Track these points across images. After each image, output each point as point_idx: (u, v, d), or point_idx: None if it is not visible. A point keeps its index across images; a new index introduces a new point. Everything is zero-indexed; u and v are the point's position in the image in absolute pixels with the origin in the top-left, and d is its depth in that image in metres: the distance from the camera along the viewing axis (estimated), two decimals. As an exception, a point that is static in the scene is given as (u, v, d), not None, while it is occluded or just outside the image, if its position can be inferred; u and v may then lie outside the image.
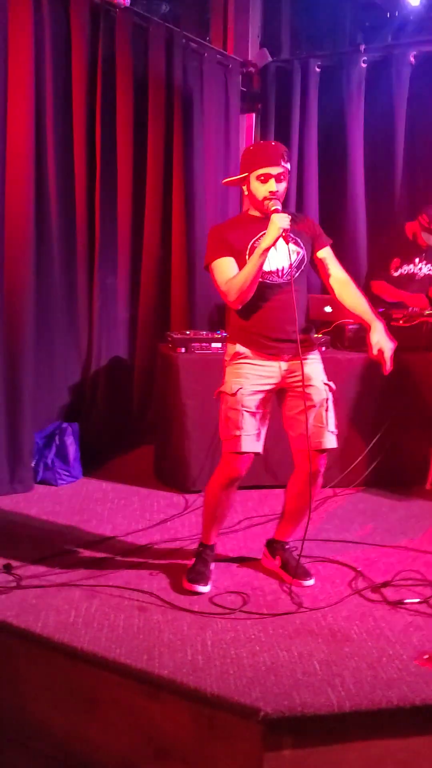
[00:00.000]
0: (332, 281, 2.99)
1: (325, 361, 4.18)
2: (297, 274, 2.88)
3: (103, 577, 3.02)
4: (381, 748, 2.23)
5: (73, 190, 4.37)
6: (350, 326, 4.41)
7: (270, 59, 5.73)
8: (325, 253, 2.99)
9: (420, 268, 4.84)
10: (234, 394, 2.87)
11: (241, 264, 2.83)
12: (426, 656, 2.43)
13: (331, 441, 2.94)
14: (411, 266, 4.83)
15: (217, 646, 2.49)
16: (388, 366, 2.89)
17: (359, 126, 5.42)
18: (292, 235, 2.80)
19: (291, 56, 5.77)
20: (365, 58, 5.38)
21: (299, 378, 2.88)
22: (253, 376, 2.90)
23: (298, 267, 2.90)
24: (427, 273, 4.86)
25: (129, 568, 3.13)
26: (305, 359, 2.90)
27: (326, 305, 4.64)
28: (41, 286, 4.12)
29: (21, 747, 2.59)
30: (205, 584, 2.95)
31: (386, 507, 3.99)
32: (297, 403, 2.92)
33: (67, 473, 4.28)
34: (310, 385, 2.92)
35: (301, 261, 2.91)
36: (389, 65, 5.29)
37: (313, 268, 3.02)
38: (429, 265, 4.84)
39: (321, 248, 2.98)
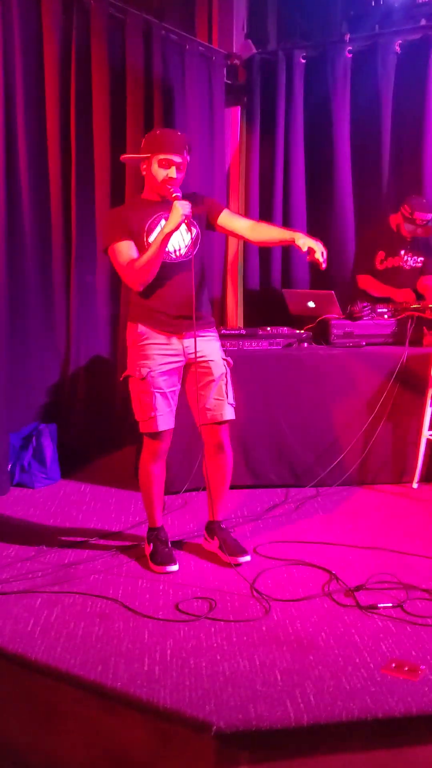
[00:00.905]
0: (243, 230, 3.14)
1: (306, 357, 4.14)
2: (194, 252, 2.98)
3: (68, 583, 2.93)
4: (343, 762, 2.12)
5: (47, 186, 4.27)
6: (334, 322, 4.30)
7: (254, 51, 5.62)
8: (226, 215, 3.13)
9: (406, 261, 4.74)
10: (144, 378, 2.98)
11: (139, 245, 2.95)
12: (393, 665, 2.33)
13: (229, 412, 3.10)
14: (396, 258, 4.72)
15: (176, 655, 2.39)
16: (323, 262, 2.98)
17: (345, 116, 5.32)
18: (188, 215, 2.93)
19: (276, 47, 5.65)
20: (350, 47, 5.27)
21: (201, 354, 3.04)
22: (158, 356, 3.01)
23: (194, 244, 2.99)
24: (414, 266, 4.75)
25: (96, 573, 3.04)
26: (203, 336, 3.04)
27: (310, 300, 4.54)
28: (14, 284, 4.04)
29: (-20, 760, 2.51)
30: (174, 563, 3.06)
31: (370, 506, 3.88)
32: (200, 378, 3.06)
33: (45, 475, 4.20)
34: (210, 360, 3.07)
35: (196, 238, 3.00)
36: (375, 54, 5.18)
37: (223, 230, 3.17)
38: (415, 257, 4.73)
39: (219, 213, 3.11)
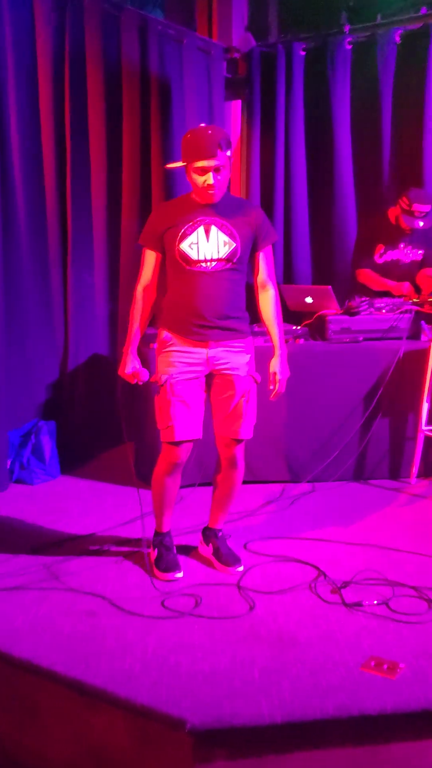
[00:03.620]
0: (259, 287, 3.06)
1: (302, 353, 4.14)
2: (228, 266, 2.88)
3: (59, 580, 2.97)
4: (319, 759, 2.15)
5: (42, 184, 4.28)
6: (331, 317, 4.29)
7: (254, 44, 5.61)
8: (261, 257, 3.01)
9: (405, 253, 4.72)
10: (163, 385, 2.91)
11: (170, 247, 2.88)
12: (373, 663, 2.34)
13: (247, 431, 3.02)
14: (396, 251, 4.70)
15: (157, 653, 2.43)
16: (276, 392, 3.03)
17: (345, 108, 5.30)
18: (228, 225, 2.85)
19: (276, 40, 5.64)
20: (350, 39, 5.25)
21: (225, 365, 2.95)
22: (181, 364, 2.93)
23: (228, 260, 2.88)
24: (413, 258, 4.73)
25: (88, 569, 3.08)
26: (231, 348, 2.95)
27: (307, 296, 4.54)
28: (11, 283, 4.07)
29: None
30: (179, 570, 3.01)
31: (365, 502, 3.89)
32: (221, 390, 2.98)
33: (44, 472, 4.24)
34: (234, 374, 2.97)
35: (233, 254, 2.88)
36: (374, 45, 5.16)
37: (249, 262, 3.01)
38: (414, 250, 4.71)
39: (260, 249, 2.99)
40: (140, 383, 2.99)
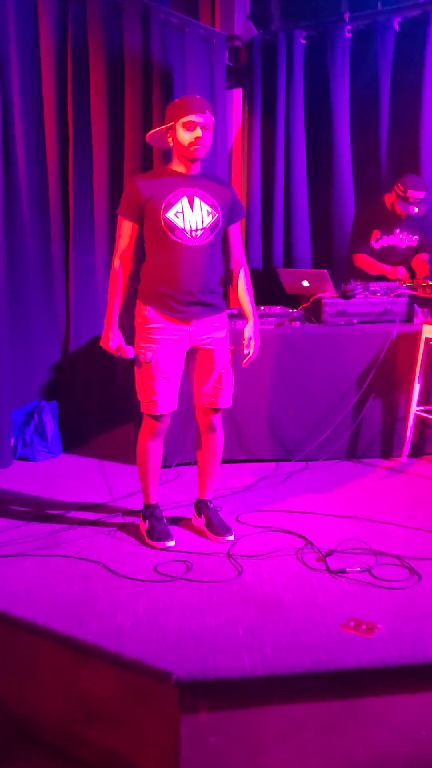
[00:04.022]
0: (229, 262, 3.18)
1: (298, 335, 4.24)
2: (210, 237, 2.99)
3: (56, 548, 3.09)
4: (300, 712, 2.26)
5: (44, 172, 4.40)
6: (327, 300, 4.39)
7: (255, 32, 5.69)
8: (232, 231, 3.15)
9: (401, 239, 4.81)
10: (149, 362, 3.03)
11: (154, 217, 2.94)
12: (352, 623, 2.46)
13: (226, 401, 3.19)
14: (391, 237, 4.79)
15: (148, 613, 2.55)
16: (250, 358, 3.18)
17: (345, 96, 5.39)
18: (209, 196, 2.97)
19: (277, 28, 5.72)
20: (350, 27, 5.32)
21: (206, 341, 3.09)
22: (164, 341, 3.03)
23: (211, 230, 2.99)
24: (409, 244, 4.82)
25: (84, 538, 3.20)
26: (211, 323, 3.09)
27: (304, 279, 4.64)
28: (14, 266, 4.18)
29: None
30: (171, 538, 3.14)
31: (356, 479, 4.00)
32: (201, 363, 3.13)
33: (46, 449, 4.37)
34: (214, 348, 3.11)
35: (215, 224, 3.00)
36: (374, 33, 5.23)
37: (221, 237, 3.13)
38: (409, 236, 4.80)
39: (234, 222, 3.13)
40: (124, 358, 3.08)
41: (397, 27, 5.17)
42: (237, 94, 5.93)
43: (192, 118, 2.89)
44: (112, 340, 3.06)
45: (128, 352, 3.06)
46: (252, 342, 3.17)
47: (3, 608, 2.60)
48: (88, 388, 4.83)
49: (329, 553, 2.99)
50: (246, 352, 3.16)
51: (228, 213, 3.07)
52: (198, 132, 2.89)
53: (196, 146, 2.91)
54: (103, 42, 4.59)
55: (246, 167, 5.81)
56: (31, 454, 4.33)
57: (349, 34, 5.33)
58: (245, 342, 3.16)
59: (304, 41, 5.47)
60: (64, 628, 2.44)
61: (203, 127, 2.90)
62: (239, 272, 3.21)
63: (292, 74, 5.47)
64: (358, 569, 2.85)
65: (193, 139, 2.90)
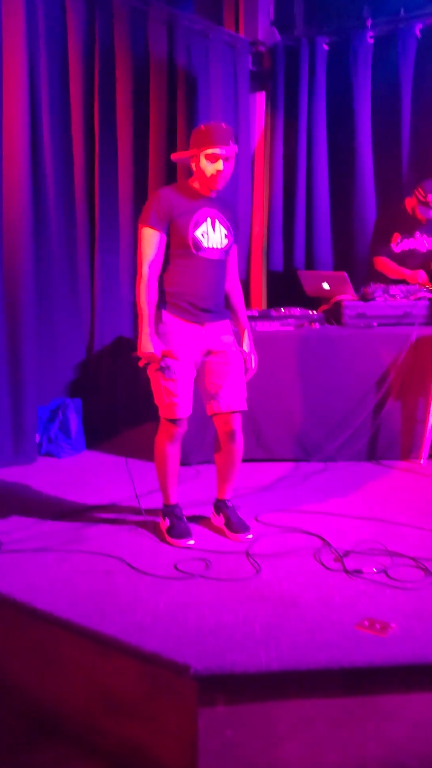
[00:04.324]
0: (229, 282, 3.31)
1: (318, 337, 4.30)
2: (225, 256, 3.19)
3: (79, 543, 3.17)
4: (314, 707, 2.32)
5: (71, 176, 4.53)
6: (347, 303, 4.44)
7: (278, 38, 5.75)
8: (233, 250, 3.30)
9: (422, 243, 4.85)
10: (168, 366, 3.10)
11: (182, 234, 3.05)
12: (366, 622, 2.51)
13: (243, 403, 3.25)
14: (412, 240, 4.84)
15: (167, 608, 2.62)
16: (251, 371, 3.32)
17: (366, 101, 5.45)
18: (225, 221, 3.14)
19: (300, 34, 5.78)
20: (372, 33, 5.38)
21: (218, 344, 3.19)
22: (180, 345, 3.11)
23: (226, 251, 3.18)
24: (429, 248, 4.86)
25: (107, 534, 3.28)
26: (222, 328, 3.22)
27: (324, 281, 4.69)
28: (41, 268, 4.30)
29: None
30: (191, 537, 3.21)
31: (374, 480, 4.05)
32: (217, 366, 3.20)
33: (70, 446, 4.47)
34: (227, 352, 3.21)
35: (229, 245, 3.20)
36: (395, 39, 5.29)
37: None
38: (430, 239, 4.83)
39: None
40: (171, 359, 3.10)
41: (418, 33, 5.22)
42: (260, 98, 6.00)
43: (215, 150, 2.98)
44: (156, 347, 3.08)
45: (175, 354, 3.11)
46: (252, 357, 3.32)
47: (27, 601, 2.68)
48: (112, 386, 4.93)
49: (346, 553, 3.05)
50: (250, 367, 3.31)
51: (235, 236, 3.24)
52: (219, 165, 3.00)
53: (217, 179, 3.04)
54: (129, 48, 4.69)
55: (268, 170, 5.88)
56: (56, 451, 4.43)
57: (371, 40, 5.40)
58: (248, 358, 3.30)
59: (326, 47, 5.55)
60: (87, 621, 2.52)
61: (225, 159, 3.00)
62: (237, 291, 3.36)
63: (315, 79, 5.53)
64: (374, 570, 2.90)
65: (214, 172, 3.02)
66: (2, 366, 4.14)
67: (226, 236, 3.14)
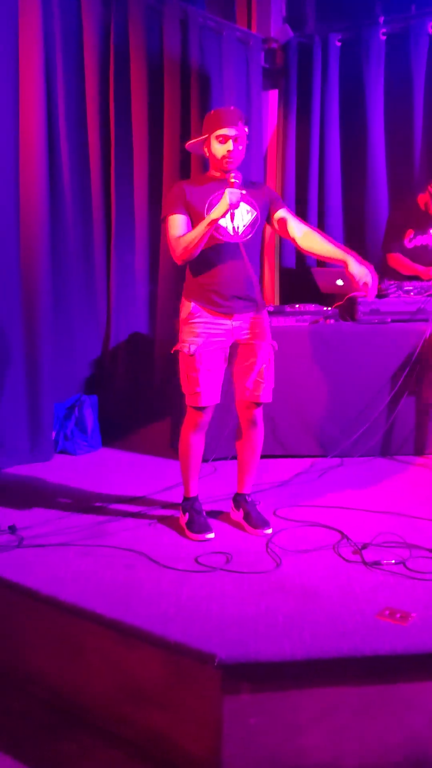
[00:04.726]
0: (296, 234, 3.21)
1: (332, 333, 4.32)
2: (251, 234, 3.13)
3: (100, 538, 3.21)
4: (336, 695, 2.35)
5: (88, 173, 4.56)
6: (361, 299, 4.47)
7: (291, 35, 5.77)
8: (283, 213, 3.23)
9: (435, 239, 4.87)
10: (192, 355, 3.12)
11: (199, 219, 3.05)
12: (387, 612, 2.54)
13: (267, 395, 3.27)
14: (425, 237, 4.85)
15: (190, 600, 2.65)
16: (371, 292, 3.17)
17: (379, 98, 5.47)
18: (247, 196, 3.07)
19: (313, 31, 5.81)
20: (384, 30, 5.40)
21: (248, 335, 3.20)
22: (207, 335, 3.14)
23: (252, 226, 3.12)
24: (442, 244, 4.88)
25: (126, 529, 3.32)
26: (252, 318, 3.20)
27: (338, 278, 4.71)
28: (58, 265, 4.34)
29: (20, 690, 2.81)
30: (211, 531, 3.24)
31: (390, 475, 4.07)
32: (244, 358, 3.22)
33: (86, 443, 4.50)
34: (257, 342, 3.21)
35: (254, 221, 3.13)
36: (407, 36, 5.31)
37: (275, 228, 3.26)
38: (443, 236, 4.86)
39: (278, 209, 3.23)
40: (195, 350, 3.11)
41: (430, 30, 5.23)
42: (273, 96, 6.03)
43: (224, 131, 3.02)
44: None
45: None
46: (361, 276, 3.08)
47: (52, 593, 2.72)
48: (127, 383, 4.96)
49: (365, 546, 3.07)
50: (366, 284, 3.10)
51: (266, 208, 3.20)
52: (229, 145, 3.03)
53: (228, 159, 3.06)
54: (143, 46, 4.73)
55: (281, 167, 5.91)
56: (72, 448, 4.47)
57: (384, 37, 5.42)
58: (358, 283, 3.08)
59: (339, 44, 5.57)
60: (112, 612, 2.56)
61: (235, 140, 3.04)
62: (306, 233, 3.20)
63: (328, 76, 5.56)
64: (393, 561, 2.93)
65: (225, 152, 3.05)
66: (19, 363, 4.19)
67: (248, 211, 3.11)
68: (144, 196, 4.87)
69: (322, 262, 5.66)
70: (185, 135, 5.07)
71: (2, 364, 4.12)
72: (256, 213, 3.14)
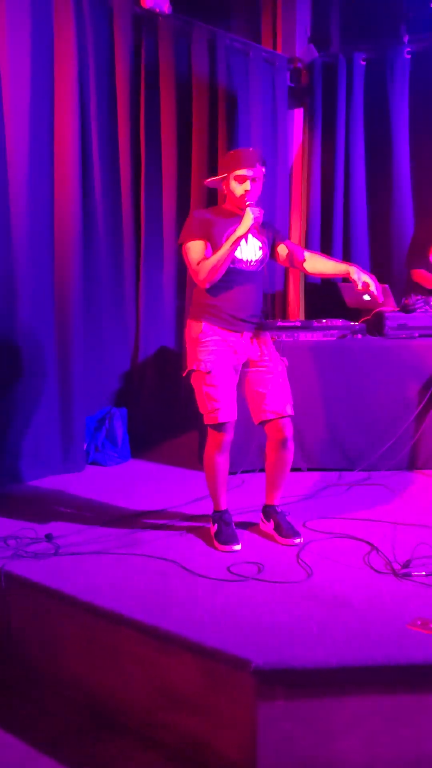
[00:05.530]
0: (300, 260, 3.39)
1: (360, 348, 4.38)
2: (259, 268, 3.32)
3: (133, 547, 3.28)
4: (370, 702, 2.39)
5: (118, 191, 4.67)
6: (388, 314, 4.52)
7: (316, 54, 5.87)
8: (287, 244, 3.42)
9: (459, 255, 4.92)
10: (209, 372, 3.21)
11: (214, 248, 3.21)
12: (419, 622, 2.58)
13: (289, 408, 3.33)
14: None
15: (224, 608, 2.71)
16: (378, 296, 3.33)
17: (404, 116, 5.54)
18: (257, 233, 3.26)
19: (338, 51, 5.91)
20: (409, 49, 5.48)
21: (258, 353, 3.34)
22: (220, 353, 3.25)
23: (261, 262, 3.32)
24: (466, 260, 4.94)
25: (158, 539, 3.38)
26: (261, 337, 3.37)
27: (365, 294, 4.76)
28: (89, 282, 4.44)
29: (57, 695, 2.87)
30: (238, 543, 3.29)
31: (418, 489, 4.11)
32: (257, 377, 3.33)
33: (116, 455, 4.58)
34: (269, 360, 3.35)
35: (264, 257, 3.34)
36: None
37: (279, 259, 3.44)
38: (467, 251, 4.91)
39: (281, 242, 3.42)
40: (210, 365, 3.24)
41: (454, 49, 5.31)
42: (298, 114, 6.12)
43: (243, 172, 3.17)
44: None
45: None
46: (363, 279, 3.24)
47: (89, 600, 2.79)
48: (155, 396, 5.04)
49: (394, 557, 3.11)
50: (370, 289, 3.27)
51: (270, 245, 3.39)
52: (247, 185, 3.19)
53: (246, 198, 3.18)
54: (172, 67, 4.84)
55: (306, 185, 5.98)
56: (102, 459, 4.55)
57: (408, 56, 5.50)
58: (359, 283, 3.23)
59: (363, 63, 5.65)
60: (148, 618, 2.62)
61: (252, 180, 3.19)
62: (309, 257, 3.40)
63: (352, 95, 5.65)
64: (423, 573, 2.97)
65: (243, 192, 3.19)
66: (53, 376, 4.28)
67: (260, 248, 3.29)
68: (172, 214, 4.97)
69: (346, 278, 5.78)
70: (213, 155, 5.18)
71: (37, 377, 4.22)
72: (265, 250, 3.33)
